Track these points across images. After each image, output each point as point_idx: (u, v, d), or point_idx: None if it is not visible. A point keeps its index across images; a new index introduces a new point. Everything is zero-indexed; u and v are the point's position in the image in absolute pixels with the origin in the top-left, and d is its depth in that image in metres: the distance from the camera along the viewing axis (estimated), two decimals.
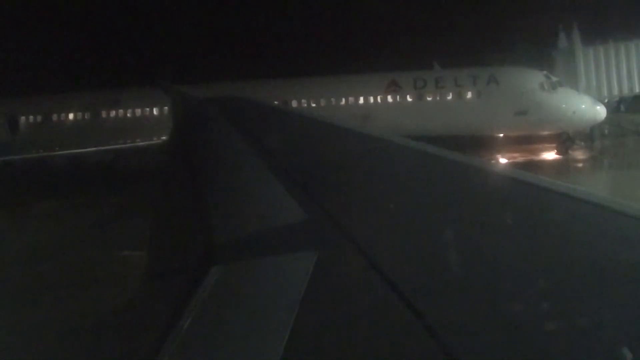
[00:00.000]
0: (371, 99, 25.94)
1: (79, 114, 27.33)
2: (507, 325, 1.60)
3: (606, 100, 27.19)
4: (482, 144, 23.94)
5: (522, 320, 1.61)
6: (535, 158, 24.97)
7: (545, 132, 25.66)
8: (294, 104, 25.17)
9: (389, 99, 25.81)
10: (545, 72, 25.60)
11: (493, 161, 20.96)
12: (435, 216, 2.52)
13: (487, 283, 1.86)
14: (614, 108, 28.64)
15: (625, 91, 28.42)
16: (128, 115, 27.11)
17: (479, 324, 1.61)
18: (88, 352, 2.34)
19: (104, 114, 27.24)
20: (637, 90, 28.33)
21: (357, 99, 25.98)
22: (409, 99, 25.76)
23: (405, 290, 1.78)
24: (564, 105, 24.34)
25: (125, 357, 2.12)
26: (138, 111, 26.99)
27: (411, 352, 1.54)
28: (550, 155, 25.23)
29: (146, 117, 26.35)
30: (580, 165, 24.33)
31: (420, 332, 1.56)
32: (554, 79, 25.05)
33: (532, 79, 24.87)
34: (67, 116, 27.37)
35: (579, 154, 25.36)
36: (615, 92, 28.32)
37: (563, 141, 25.10)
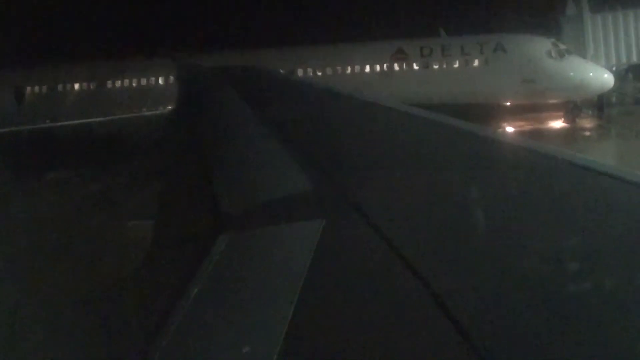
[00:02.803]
0: (377, 67, 25.76)
1: (85, 85, 27.27)
2: (509, 289, 1.61)
3: (614, 69, 26.94)
4: (489, 112, 23.75)
5: (528, 288, 1.62)
6: (543, 126, 24.82)
7: (553, 101, 25.47)
8: (300, 72, 25.02)
9: (396, 67, 25.64)
10: (553, 39, 25.35)
11: (500, 129, 20.85)
12: (441, 184, 2.52)
13: (493, 249, 1.87)
14: (622, 76, 28.40)
15: (634, 59, 28.15)
16: (134, 85, 27.03)
17: (486, 290, 1.62)
18: (97, 319, 2.36)
19: (109, 84, 27.17)
20: None
21: (363, 68, 25.81)
22: (415, 67, 25.59)
23: (411, 258, 1.79)
24: (571, 73, 24.11)
25: (134, 324, 2.15)
26: (144, 81, 26.90)
27: (417, 319, 1.55)
28: (557, 123, 25.07)
29: (152, 87, 26.25)
30: (587, 133, 24.18)
31: (426, 299, 1.57)
32: (562, 46, 24.80)
33: (540, 47, 24.61)
34: (73, 86, 27.31)
35: (587, 123, 25.20)
36: (624, 60, 28.05)
37: (570, 110, 24.93)
